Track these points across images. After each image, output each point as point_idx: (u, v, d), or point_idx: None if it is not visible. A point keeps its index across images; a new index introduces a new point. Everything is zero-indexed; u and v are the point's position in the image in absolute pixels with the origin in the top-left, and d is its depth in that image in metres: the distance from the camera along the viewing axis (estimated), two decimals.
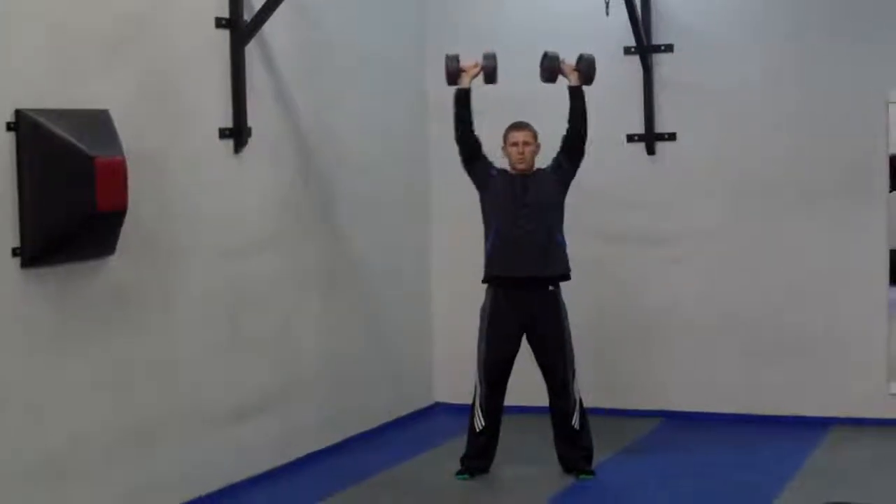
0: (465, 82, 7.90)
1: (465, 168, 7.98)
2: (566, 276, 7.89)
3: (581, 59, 7.93)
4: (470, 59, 7.91)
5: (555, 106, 9.01)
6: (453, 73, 7.90)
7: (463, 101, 7.91)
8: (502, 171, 7.95)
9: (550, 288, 7.85)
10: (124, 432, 6.83)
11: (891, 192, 9.23)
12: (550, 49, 8.00)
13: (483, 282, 7.92)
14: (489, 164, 7.94)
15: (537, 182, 7.88)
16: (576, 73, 7.91)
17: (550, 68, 7.95)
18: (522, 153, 7.87)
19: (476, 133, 7.93)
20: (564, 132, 7.94)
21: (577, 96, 7.90)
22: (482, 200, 7.93)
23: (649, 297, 9.41)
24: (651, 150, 9.33)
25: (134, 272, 6.88)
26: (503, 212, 7.83)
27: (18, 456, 6.21)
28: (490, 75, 7.91)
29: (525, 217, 7.78)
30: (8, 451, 6.16)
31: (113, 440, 6.76)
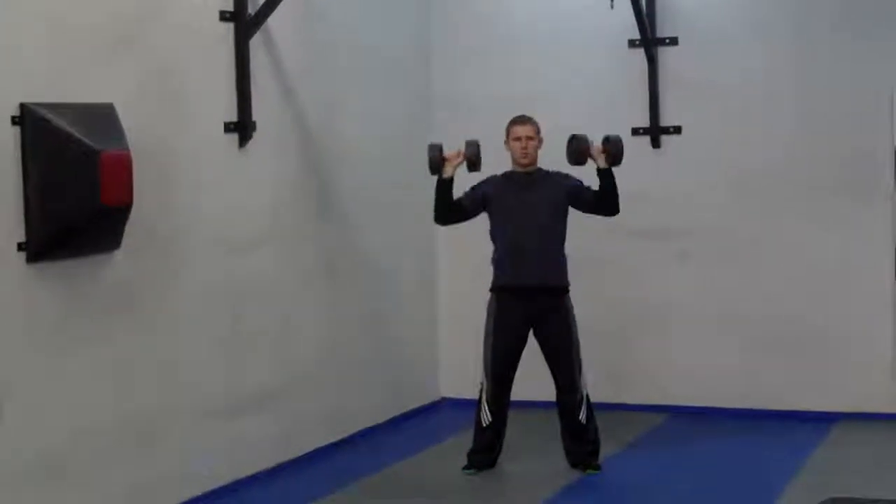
0: (447, 172, 7.84)
1: (473, 216, 8.00)
2: (565, 290, 7.90)
3: (608, 140, 7.87)
4: (452, 150, 7.84)
5: (555, 103, 9.07)
6: (436, 162, 7.84)
7: (444, 191, 7.86)
8: (502, 177, 7.94)
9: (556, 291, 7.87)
10: (126, 427, 6.82)
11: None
12: (580, 133, 7.92)
13: (491, 290, 7.92)
14: (478, 197, 7.91)
15: (544, 183, 7.88)
16: (604, 155, 7.84)
17: (579, 150, 7.87)
18: (525, 147, 7.86)
19: (454, 209, 7.88)
20: (594, 202, 7.86)
21: (607, 178, 7.83)
22: (490, 216, 7.94)
23: (654, 292, 9.40)
24: (656, 144, 9.31)
25: (139, 267, 6.87)
26: (508, 212, 7.83)
27: (21, 449, 6.19)
28: (473, 163, 7.84)
29: (531, 215, 7.78)
30: (11, 445, 6.14)
31: (115, 435, 6.74)
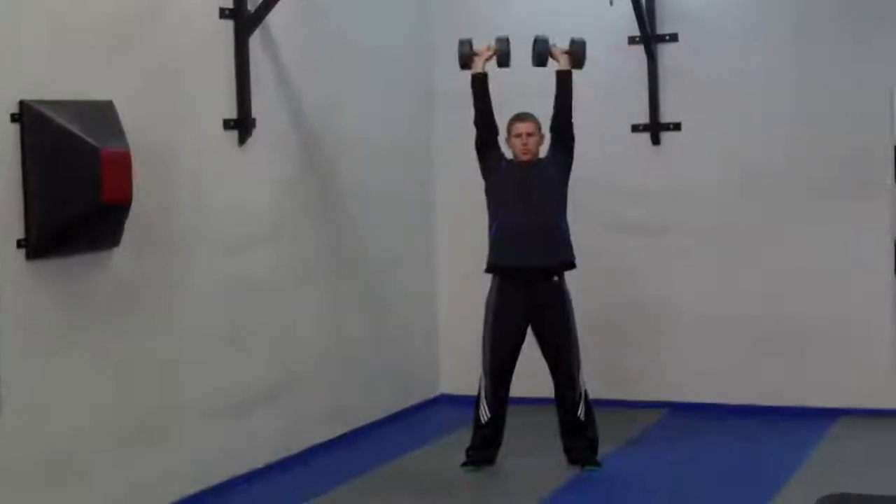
0: (478, 66, 7.88)
1: (477, 151, 7.95)
2: (571, 265, 7.87)
3: (572, 43, 7.94)
4: (482, 43, 7.88)
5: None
6: (466, 58, 7.89)
7: (479, 86, 7.89)
8: (508, 161, 7.94)
9: (555, 278, 7.83)
10: (127, 425, 6.82)
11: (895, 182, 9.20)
12: (542, 34, 7.97)
13: (486, 271, 7.91)
14: (501, 155, 7.93)
15: (540, 171, 7.88)
16: (566, 57, 7.90)
17: (541, 52, 7.94)
18: (526, 144, 7.87)
19: (491, 114, 7.89)
20: (552, 118, 7.92)
21: (565, 80, 7.90)
22: (487, 188, 7.91)
23: (654, 288, 9.40)
24: (656, 140, 9.31)
25: (138, 264, 6.87)
26: (507, 201, 7.82)
27: (21, 447, 6.20)
28: (503, 59, 7.92)
29: (529, 206, 7.77)
30: (11, 443, 6.14)
31: (116, 432, 6.74)
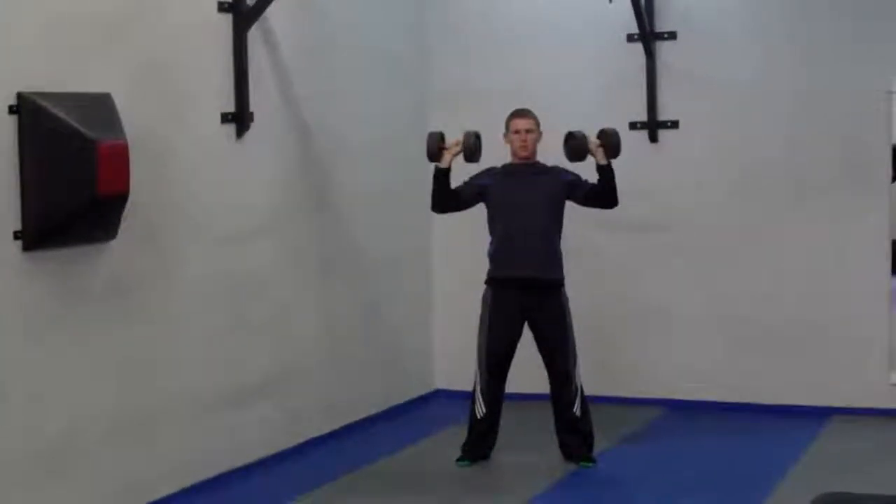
0: (445, 161, 7.85)
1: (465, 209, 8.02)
2: (560, 284, 7.90)
3: (603, 133, 7.87)
4: (452, 139, 7.84)
5: (553, 97, 9.06)
6: (434, 151, 7.85)
7: (441, 180, 7.86)
8: (501, 168, 7.94)
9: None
10: (123, 417, 6.83)
11: (893, 182, 9.20)
12: (577, 130, 7.91)
13: (486, 283, 7.93)
14: (476, 187, 7.91)
15: (543, 177, 7.88)
16: (601, 150, 7.84)
17: (577, 148, 7.86)
18: (525, 141, 7.87)
19: (451, 197, 7.88)
20: (593, 197, 7.88)
21: (606, 173, 7.84)
22: (487, 208, 7.93)
23: (650, 286, 9.40)
24: (654, 138, 9.31)
25: (135, 257, 6.87)
26: (506, 205, 7.83)
27: (16, 441, 6.20)
28: (471, 154, 7.85)
29: (529, 208, 7.78)
30: (7, 436, 6.15)
31: (112, 425, 6.75)
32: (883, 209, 8.88)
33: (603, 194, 7.88)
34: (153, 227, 7.01)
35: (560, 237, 7.89)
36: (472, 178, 7.96)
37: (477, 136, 7.83)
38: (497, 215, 7.90)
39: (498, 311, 7.85)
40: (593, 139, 7.86)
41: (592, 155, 7.86)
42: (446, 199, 7.91)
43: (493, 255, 7.91)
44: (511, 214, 7.83)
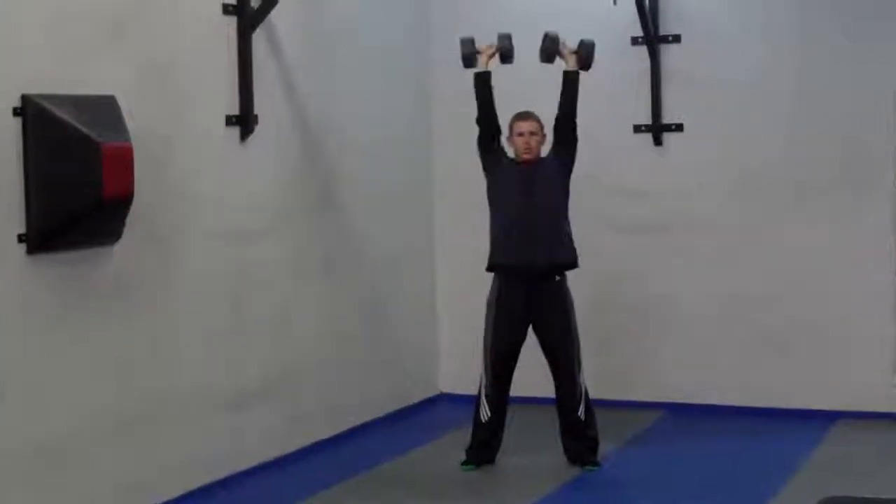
0: (482, 64, 7.87)
1: (479, 148, 7.95)
2: (573, 265, 7.86)
3: (581, 44, 7.92)
4: (484, 42, 7.88)
5: (557, 100, 9.04)
6: (469, 57, 7.88)
7: (483, 84, 7.88)
8: (510, 160, 7.93)
9: (557, 278, 7.83)
10: (126, 419, 6.83)
11: None
12: (553, 31, 7.96)
13: (487, 269, 7.90)
14: (503, 154, 7.92)
15: (542, 170, 7.87)
16: (574, 57, 7.89)
17: (550, 49, 7.93)
18: (529, 143, 7.86)
19: (493, 110, 7.88)
20: (556, 118, 7.91)
21: (571, 80, 7.89)
22: (488, 186, 7.91)
23: (654, 288, 9.39)
24: (658, 141, 9.31)
25: (139, 259, 6.87)
26: (509, 200, 7.81)
27: (20, 440, 6.21)
28: (506, 55, 7.92)
29: (531, 206, 7.77)
30: (9, 436, 6.15)
31: (114, 426, 6.75)
32: (887, 211, 8.87)
33: (562, 100, 7.88)
34: (157, 228, 7.01)
35: (567, 216, 7.86)
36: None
37: (509, 38, 7.89)
38: (499, 201, 7.84)
39: (503, 315, 7.83)
40: (570, 45, 7.89)
41: (563, 58, 7.89)
42: (491, 104, 7.87)
43: (496, 242, 7.85)
44: (514, 203, 7.78)
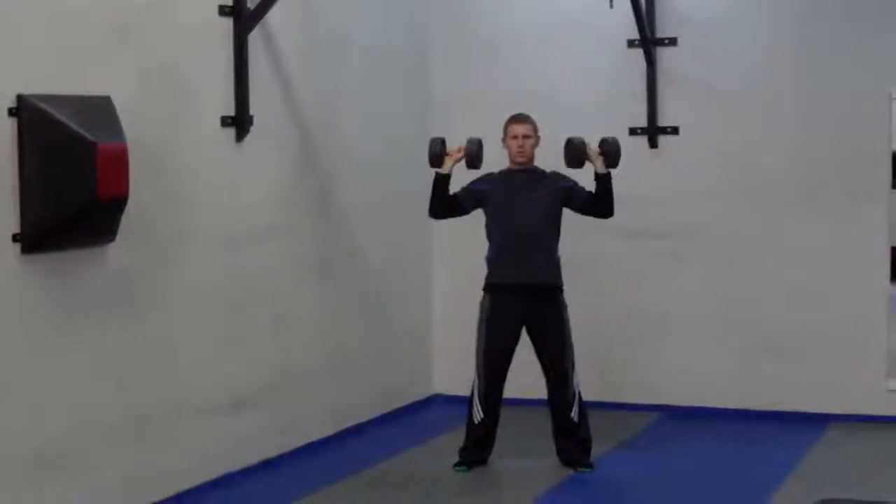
0: (446, 167, 7.86)
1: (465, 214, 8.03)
2: (560, 289, 7.89)
3: (605, 142, 7.86)
4: (454, 145, 7.86)
5: (554, 103, 9.08)
6: (436, 157, 7.86)
7: (441, 186, 7.88)
8: (499, 174, 7.94)
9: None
10: (122, 420, 6.82)
11: (893, 188, 9.20)
12: (576, 136, 7.89)
13: (484, 289, 7.93)
14: (475, 193, 7.92)
15: (541, 183, 7.88)
16: (601, 158, 7.83)
17: (576, 154, 7.85)
18: (523, 146, 7.86)
19: (450, 204, 7.90)
20: (590, 199, 7.86)
21: (604, 182, 7.84)
22: (485, 212, 7.94)
23: (649, 291, 9.40)
24: (654, 144, 9.32)
25: (134, 260, 6.87)
26: (504, 211, 7.83)
27: (16, 442, 6.20)
28: (473, 161, 7.86)
29: (527, 214, 7.78)
30: (5, 438, 6.14)
31: (110, 427, 6.74)
32: (883, 216, 8.89)
33: (599, 204, 7.88)
34: (152, 229, 7.01)
35: (558, 243, 7.89)
36: (470, 184, 7.97)
37: (479, 144, 7.85)
38: (495, 221, 7.90)
39: (496, 316, 7.85)
40: (594, 146, 7.86)
41: (591, 162, 7.85)
42: (445, 205, 7.93)
43: (492, 261, 7.91)
44: (509, 221, 7.83)
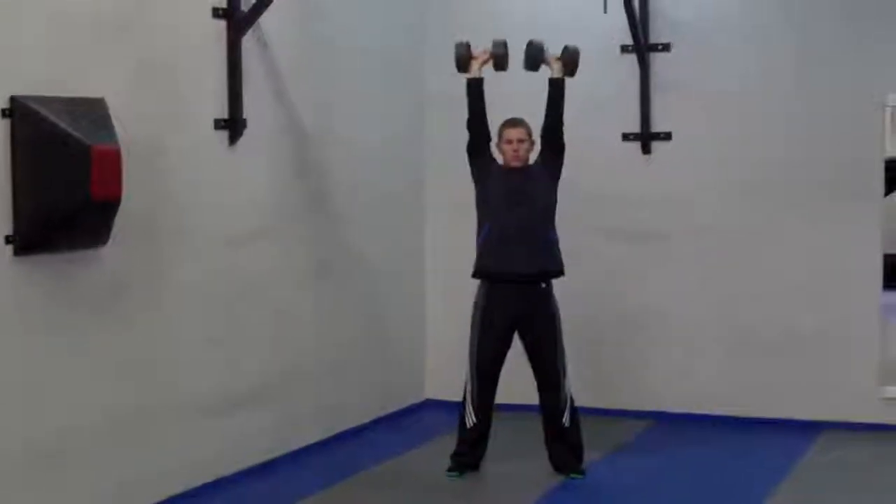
0: (475, 70, 7.86)
1: (468, 155, 7.92)
2: (560, 273, 7.86)
3: (566, 50, 7.90)
4: (479, 47, 7.87)
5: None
6: (462, 60, 7.86)
7: (475, 90, 7.86)
8: (499, 167, 7.93)
9: (543, 285, 7.82)
10: (115, 422, 6.80)
11: (885, 195, 9.20)
12: (537, 38, 7.95)
13: (473, 276, 7.89)
14: (492, 160, 7.91)
15: (530, 178, 7.87)
16: (559, 64, 7.88)
17: (534, 56, 7.90)
18: (517, 151, 7.86)
19: (483, 118, 7.87)
20: (542, 126, 7.90)
21: (557, 87, 7.88)
22: (477, 193, 7.90)
23: (642, 297, 9.40)
24: (647, 150, 9.32)
25: (127, 262, 6.85)
26: (497, 207, 7.81)
27: (11, 444, 6.18)
28: (500, 63, 7.89)
29: (518, 213, 7.76)
30: (0, 439, 6.12)
31: (103, 430, 6.72)
32: (875, 222, 8.89)
33: (550, 109, 7.87)
34: (145, 231, 6.99)
35: (554, 223, 7.85)
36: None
37: (504, 45, 7.86)
38: (487, 208, 7.83)
39: (489, 320, 7.82)
40: (553, 52, 7.87)
41: (548, 65, 7.88)
42: (480, 112, 7.84)
43: (483, 249, 7.84)
44: (502, 210, 7.78)
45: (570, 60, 7.88)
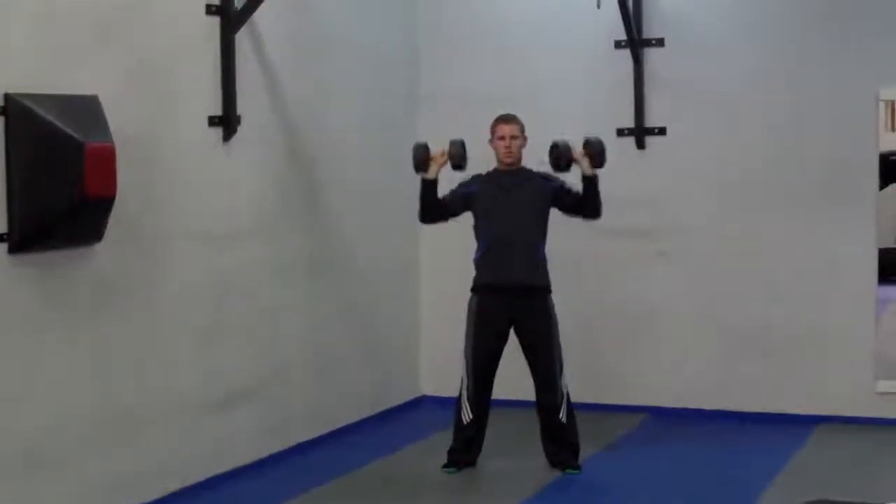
0: (432, 172, 7.85)
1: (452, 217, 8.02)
2: (548, 290, 7.89)
3: (588, 144, 7.87)
4: (437, 149, 7.84)
5: (541, 103, 9.07)
6: (421, 162, 7.85)
7: (429, 192, 7.87)
8: (486, 175, 7.93)
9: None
10: (106, 420, 6.80)
11: (880, 190, 9.21)
12: (561, 139, 7.91)
13: (472, 290, 7.91)
14: (463, 195, 7.91)
15: (527, 183, 7.87)
16: (587, 159, 7.83)
17: (563, 157, 7.86)
18: (510, 147, 7.86)
19: (439, 208, 7.90)
20: (574, 210, 7.91)
21: (593, 185, 7.84)
22: (473, 213, 7.93)
23: (636, 292, 9.40)
24: (641, 145, 9.31)
25: (121, 259, 6.85)
26: (492, 211, 7.83)
27: (3, 441, 6.18)
28: (457, 162, 7.86)
29: (514, 214, 7.78)
30: None
31: (95, 428, 6.73)
32: (870, 217, 8.88)
33: (587, 205, 7.88)
34: (139, 229, 6.99)
35: (545, 244, 7.88)
36: (458, 186, 7.96)
37: (462, 145, 7.84)
38: (483, 222, 7.89)
39: (484, 317, 7.84)
40: (578, 149, 7.85)
41: (578, 164, 7.85)
42: (434, 209, 7.92)
43: (479, 262, 7.90)
44: (497, 221, 7.83)
45: (595, 152, 7.83)
